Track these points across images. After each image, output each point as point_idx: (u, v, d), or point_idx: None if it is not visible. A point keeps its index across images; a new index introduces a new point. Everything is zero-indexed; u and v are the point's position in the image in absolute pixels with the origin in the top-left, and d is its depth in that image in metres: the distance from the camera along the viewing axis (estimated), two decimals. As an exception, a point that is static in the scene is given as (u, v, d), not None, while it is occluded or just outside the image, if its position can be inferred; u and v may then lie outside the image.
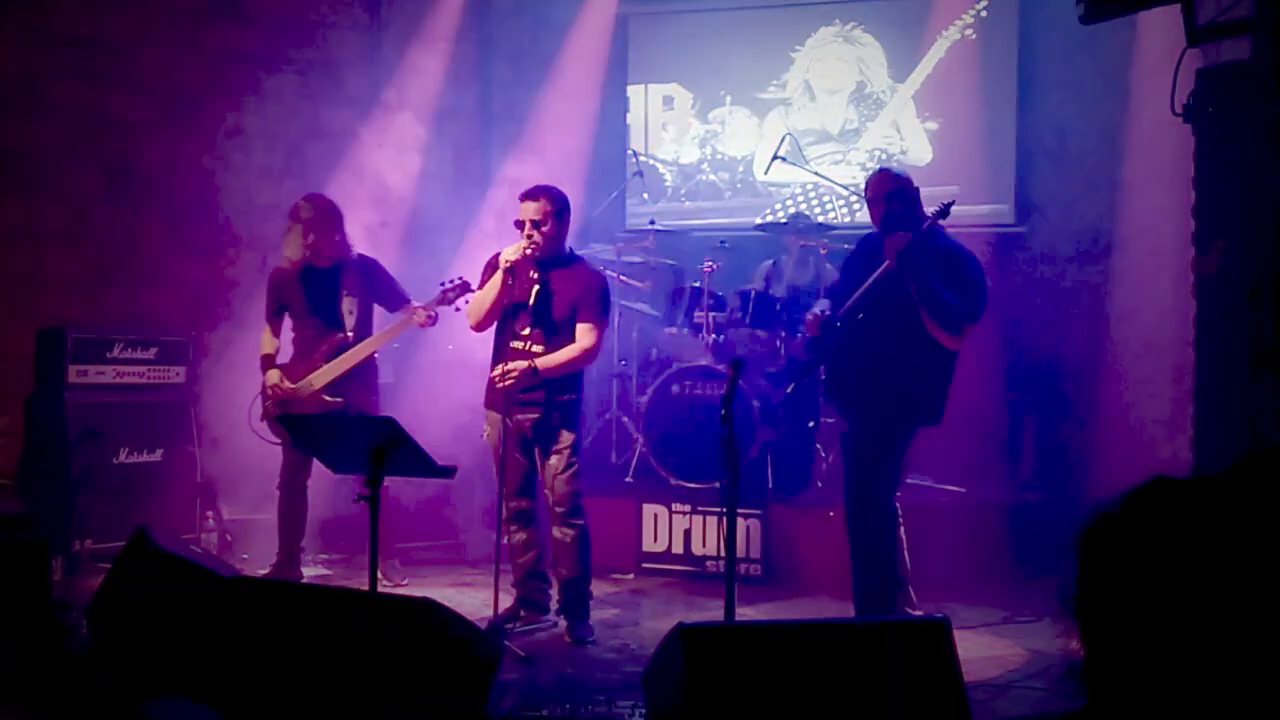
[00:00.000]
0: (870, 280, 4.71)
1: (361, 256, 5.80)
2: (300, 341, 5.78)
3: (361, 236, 6.34)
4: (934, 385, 4.77)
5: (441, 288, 5.50)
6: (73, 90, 6.65)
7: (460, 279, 5.49)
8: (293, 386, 5.62)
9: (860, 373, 4.81)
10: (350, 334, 5.64)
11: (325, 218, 5.67)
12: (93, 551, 5.77)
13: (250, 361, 6.77)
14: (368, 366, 5.73)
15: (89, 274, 6.71)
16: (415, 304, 5.63)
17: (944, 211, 4.72)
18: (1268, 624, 1.00)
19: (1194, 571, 1.03)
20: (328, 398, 5.61)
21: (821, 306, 4.91)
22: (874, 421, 4.78)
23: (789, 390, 5.08)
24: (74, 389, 5.98)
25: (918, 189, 4.89)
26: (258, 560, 6.18)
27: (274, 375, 5.66)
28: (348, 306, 5.66)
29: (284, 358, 5.82)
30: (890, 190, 4.84)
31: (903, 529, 4.88)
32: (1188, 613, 1.02)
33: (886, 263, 4.66)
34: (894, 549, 4.82)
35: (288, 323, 5.84)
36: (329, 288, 5.67)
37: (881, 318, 4.71)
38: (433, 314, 5.56)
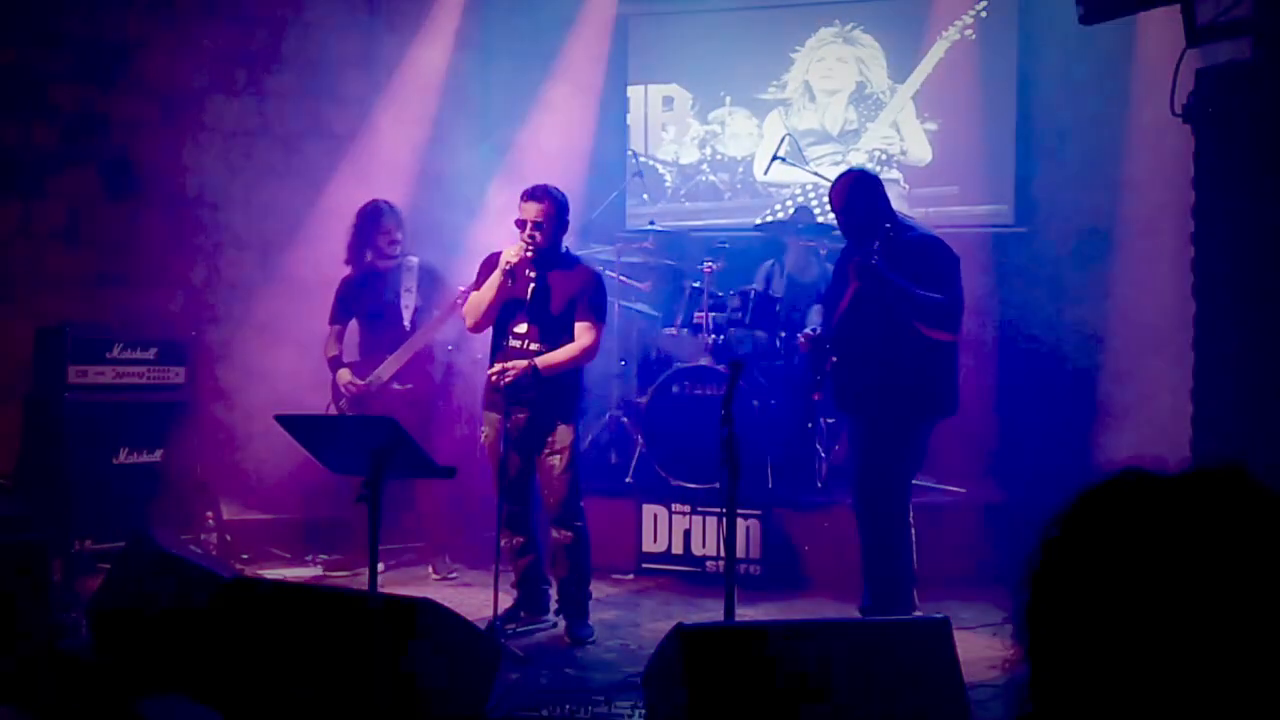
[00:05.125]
0: (845, 300, 4.74)
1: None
2: (366, 342, 6.17)
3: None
4: (942, 378, 4.80)
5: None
6: (73, 90, 6.65)
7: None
8: (364, 382, 5.94)
9: (867, 382, 4.81)
10: (407, 325, 6.03)
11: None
12: (93, 551, 5.77)
13: (250, 362, 6.77)
14: (426, 354, 6.12)
15: (89, 274, 6.70)
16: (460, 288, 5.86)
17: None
18: (1228, 633, 0.98)
19: (1145, 577, 1.01)
20: (397, 386, 5.98)
21: (813, 324, 4.96)
22: (889, 423, 4.78)
23: (811, 403, 5.27)
24: (74, 389, 5.97)
25: (870, 191, 4.84)
26: (258, 560, 6.18)
27: (344, 374, 6.00)
28: (405, 302, 6.07)
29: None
30: (838, 206, 4.89)
31: (913, 530, 4.91)
32: (1140, 619, 1.00)
33: (854, 284, 4.70)
34: (905, 544, 4.87)
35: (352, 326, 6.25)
36: (391, 288, 6.09)
37: (874, 326, 4.72)
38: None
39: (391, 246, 6.10)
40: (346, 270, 6.15)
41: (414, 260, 6.14)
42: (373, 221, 6.08)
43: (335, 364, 6.04)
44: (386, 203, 6.20)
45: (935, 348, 4.72)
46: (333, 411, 5.97)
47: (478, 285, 5.08)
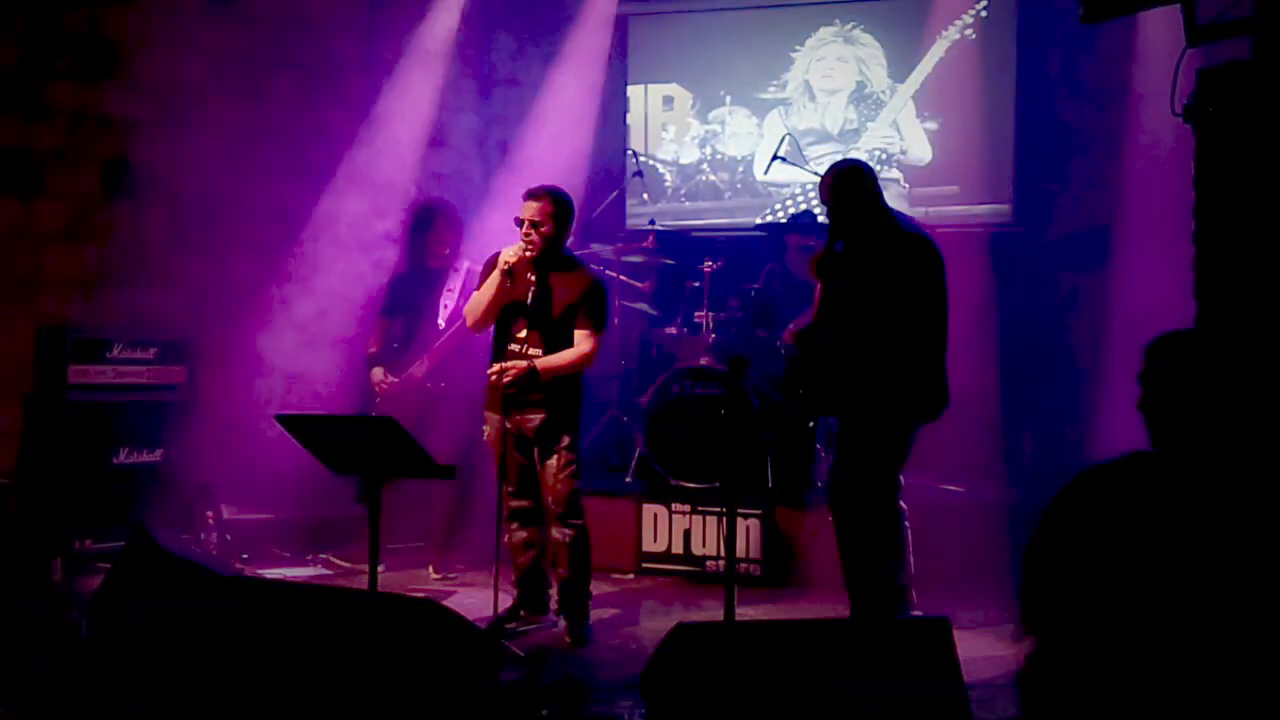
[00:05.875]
0: (816, 297, 4.75)
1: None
2: (402, 338, 6.20)
3: (361, 235, 6.38)
4: (919, 379, 4.71)
5: None
6: (73, 90, 6.64)
7: None
8: (395, 380, 6.00)
9: (839, 380, 4.77)
10: (441, 324, 6.04)
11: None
12: (93, 551, 5.77)
13: (250, 362, 6.77)
14: (466, 353, 6.09)
15: (89, 274, 6.70)
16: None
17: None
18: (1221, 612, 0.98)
19: (1137, 555, 1.02)
20: (430, 385, 6.01)
21: (798, 321, 4.97)
22: (859, 425, 4.74)
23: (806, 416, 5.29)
24: (74, 389, 5.97)
25: (850, 186, 4.76)
26: (258, 560, 6.19)
27: (377, 373, 6.05)
28: (445, 301, 6.08)
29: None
30: (823, 201, 4.87)
31: (909, 531, 4.87)
32: (1136, 587, 1.00)
33: (819, 283, 4.71)
34: (895, 545, 4.78)
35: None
36: (434, 287, 6.11)
37: (846, 325, 4.68)
38: None
39: (439, 247, 6.14)
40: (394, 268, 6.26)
41: (465, 264, 6.16)
42: (423, 221, 6.17)
43: (371, 361, 6.10)
44: (441, 203, 6.26)
45: (907, 351, 4.66)
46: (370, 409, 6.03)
47: (479, 286, 5.09)
